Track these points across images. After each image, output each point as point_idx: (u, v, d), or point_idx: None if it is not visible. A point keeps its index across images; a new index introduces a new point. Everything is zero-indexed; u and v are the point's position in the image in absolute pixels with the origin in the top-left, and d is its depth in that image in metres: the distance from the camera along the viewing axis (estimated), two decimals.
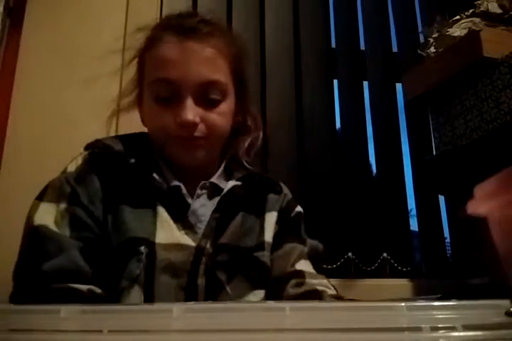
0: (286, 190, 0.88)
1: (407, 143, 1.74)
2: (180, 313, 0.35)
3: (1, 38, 1.42)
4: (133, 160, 0.74)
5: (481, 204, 0.39)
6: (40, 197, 0.71)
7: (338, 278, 1.49)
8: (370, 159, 1.71)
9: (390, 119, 1.74)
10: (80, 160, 0.74)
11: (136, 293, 0.66)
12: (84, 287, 0.64)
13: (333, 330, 0.32)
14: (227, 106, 0.76)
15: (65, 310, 0.35)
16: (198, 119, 0.72)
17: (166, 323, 0.35)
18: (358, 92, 1.76)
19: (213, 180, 0.79)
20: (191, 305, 0.37)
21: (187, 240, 0.72)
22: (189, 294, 0.69)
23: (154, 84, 0.74)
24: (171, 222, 0.72)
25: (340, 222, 1.59)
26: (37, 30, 1.46)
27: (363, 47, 1.81)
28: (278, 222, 0.83)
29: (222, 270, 0.73)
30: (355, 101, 1.75)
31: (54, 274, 0.63)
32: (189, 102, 0.72)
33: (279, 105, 1.64)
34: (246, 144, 0.85)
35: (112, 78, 1.33)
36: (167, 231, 0.71)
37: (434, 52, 1.50)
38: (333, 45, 1.80)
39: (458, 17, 1.44)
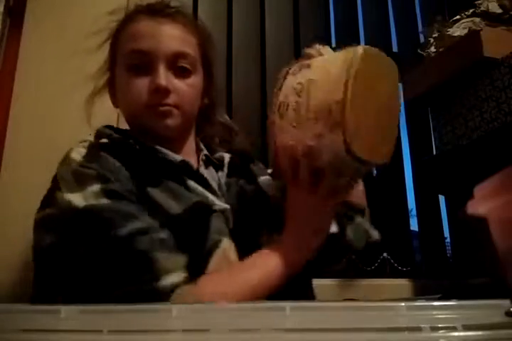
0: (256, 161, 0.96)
1: (407, 143, 1.74)
2: (179, 313, 0.35)
3: (1, 38, 1.42)
4: (137, 146, 0.76)
5: (481, 204, 0.39)
6: (63, 189, 0.68)
7: (338, 278, 1.49)
8: None
9: None
10: (83, 148, 0.74)
11: (228, 243, 0.71)
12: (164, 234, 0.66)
13: (333, 330, 0.32)
14: (196, 80, 0.80)
15: (65, 310, 0.35)
16: (171, 86, 0.76)
17: (165, 323, 0.35)
18: None
19: (205, 153, 0.86)
20: (191, 305, 0.37)
21: (221, 203, 0.76)
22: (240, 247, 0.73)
23: (127, 56, 0.78)
24: (202, 189, 0.76)
25: (340, 221, 1.58)
26: (37, 30, 1.46)
27: None
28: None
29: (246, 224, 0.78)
30: None
31: (134, 236, 0.63)
32: (162, 70, 0.76)
33: None
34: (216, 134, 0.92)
35: None
36: (205, 199, 0.75)
37: (434, 52, 1.50)
38: (334, 44, 1.80)
39: (458, 17, 1.44)
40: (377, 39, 1.82)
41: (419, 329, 0.32)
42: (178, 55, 0.78)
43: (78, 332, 0.34)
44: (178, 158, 0.79)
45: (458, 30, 1.41)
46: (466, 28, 1.40)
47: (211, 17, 1.66)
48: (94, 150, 0.74)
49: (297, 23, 1.76)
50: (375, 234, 0.95)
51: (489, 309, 0.34)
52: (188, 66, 0.79)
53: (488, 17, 1.38)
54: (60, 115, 1.39)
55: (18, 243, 1.15)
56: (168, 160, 0.77)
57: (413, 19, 1.86)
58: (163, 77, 0.75)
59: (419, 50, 1.58)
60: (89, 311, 0.36)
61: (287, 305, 0.35)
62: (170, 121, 0.77)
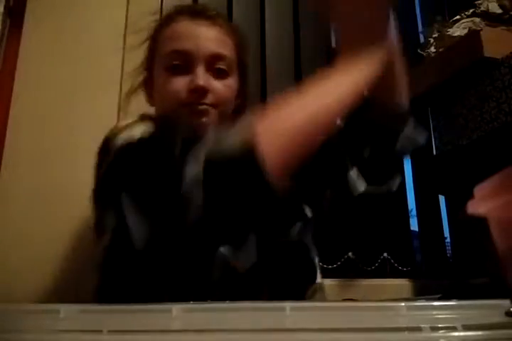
0: None
1: None
2: (179, 313, 0.35)
3: (1, 38, 1.42)
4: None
5: (481, 204, 0.39)
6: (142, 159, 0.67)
7: (338, 278, 1.49)
8: None
9: None
10: (142, 126, 0.74)
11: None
12: None
13: (333, 330, 0.32)
14: (232, 81, 0.83)
15: (65, 310, 0.35)
16: (209, 86, 0.78)
17: (165, 323, 0.35)
18: None
19: None
20: (191, 305, 0.37)
21: None
22: None
23: (168, 56, 0.80)
24: None
25: (341, 221, 1.59)
26: (37, 30, 1.46)
27: None
28: None
29: None
30: None
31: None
32: (201, 70, 0.78)
33: None
34: None
35: (113, 78, 1.34)
36: None
37: (434, 52, 1.50)
38: (334, 45, 1.80)
39: (458, 17, 1.43)
40: None
41: (419, 329, 0.32)
42: (217, 57, 0.80)
43: (78, 332, 0.34)
44: None
45: (458, 30, 1.41)
46: (466, 28, 1.40)
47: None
48: (146, 140, 0.74)
49: (297, 24, 1.76)
50: (422, 139, 0.90)
51: (489, 309, 0.34)
52: (225, 67, 0.81)
53: (488, 17, 1.38)
54: (60, 115, 1.39)
55: (18, 243, 1.15)
56: None
57: (413, 19, 1.86)
58: (202, 77, 0.78)
59: (419, 50, 1.58)
60: (89, 311, 0.36)
61: (287, 305, 0.35)
62: (206, 120, 0.78)
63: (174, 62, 0.79)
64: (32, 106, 1.40)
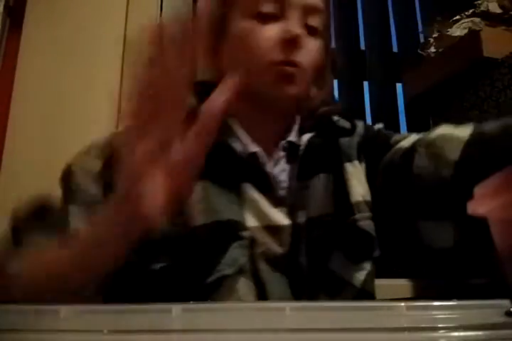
0: (360, 127, 0.72)
1: None
2: (179, 313, 0.35)
3: (1, 38, 1.42)
4: None
5: (481, 204, 0.39)
6: None
7: None
8: None
9: (390, 119, 1.74)
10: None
11: (244, 284, 0.56)
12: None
13: (333, 330, 0.32)
14: (321, 43, 0.67)
15: (65, 310, 0.35)
16: (302, 40, 0.62)
17: (165, 323, 0.35)
18: (358, 92, 1.76)
19: (291, 138, 0.67)
20: (191, 305, 0.37)
21: (279, 218, 0.61)
22: (292, 279, 0.59)
23: (255, 2, 0.64)
24: (259, 198, 0.61)
25: None
26: (37, 30, 1.46)
27: (363, 47, 1.81)
28: (368, 172, 0.68)
29: (320, 247, 0.61)
30: (355, 101, 1.75)
31: None
32: (297, 18, 0.63)
33: None
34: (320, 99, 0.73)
35: (113, 77, 1.34)
36: (257, 211, 0.61)
37: (434, 52, 1.50)
38: (333, 45, 1.80)
39: (458, 17, 1.44)
40: (377, 39, 1.82)
41: (419, 329, 0.32)
42: (314, 10, 0.65)
43: (78, 332, 0.34)
44: (251, 149, 0.64)
45: (458, 30, 1.41)
46: (466, 28, 1.40)
47: None
48: None
49: None
50: None
51: (489, 309, 0.34)
52: (319, 26, 0.66)
53: (488, 17, 1.38)
54: (60, 115, 1.39)
55: None
56: (231, 155, 0.63)
57: (413, 19, 1.86)
58: (298, 25, 0.63)
59: (419, 50, 1.58)
60: (89, 311, 0.36)
61: (287, 305, 0.35)
62: (292, 88, 0.62)
63: (264, 10, 0.63)
64: (32, 106, 1.40)
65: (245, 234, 0.58)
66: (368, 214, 0.65)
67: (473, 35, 1.33)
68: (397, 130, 1.73)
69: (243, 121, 0.66)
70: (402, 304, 0.34)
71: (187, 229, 0.57)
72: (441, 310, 0.35)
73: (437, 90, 1.46)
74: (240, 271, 0.56)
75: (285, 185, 0.64)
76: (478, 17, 1.39)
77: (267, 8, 0.63)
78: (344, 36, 1.80)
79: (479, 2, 1.41)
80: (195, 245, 0.57)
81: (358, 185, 0.66)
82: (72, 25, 1.48)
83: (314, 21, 0.65)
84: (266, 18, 0.63)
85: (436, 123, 1.50)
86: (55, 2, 1.50)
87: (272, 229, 0.60)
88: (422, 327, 0.32)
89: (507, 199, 0.37)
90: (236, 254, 0.57)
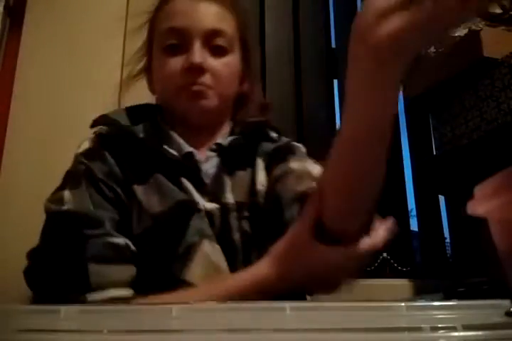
0: (284, 141, 0.83)
1: (407, 144, 1.74)
2: (179, 313, 0.35)
3: (1, 38, 1.42)
4: (142, 135, 0.73)
5: (481, 204, 0.39)
6: (61, 187, 0.69)
7: None
8: None
9: None
10: (88, 142, 0.73)
11: (210, 246, 0.67)
12: (121, 240, 0.65)
13: (333, 330, 0.32)
14: (232, 60, 0.77)
15: (65, 310, 0.35)
16: (206, 65, 0.72)
17: (165, 323, 0.35)
18: None
19: (219, 140, 0.78)
20: (191, 305, 0.37)
21: (211, 205, 0.71)
22: (228, 251, 0.70)
23: (163, 35, 0.75)
24: (192, 189, 0.72)
25: None
26: (37, 30, 1.46)
27: None
28: (267, 166, 0.78)
29: (248, 224, 0.72)
30: None
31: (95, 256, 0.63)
32: (197, 47, 0.72)
33: (279, 105, 1.64)
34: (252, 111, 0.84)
35: (113, 77, 1.34)
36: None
37: (434, 52, 1.50)
38: (333, 45, 1.80)
39: None
40: None
41: (419, 329, 0.32)
42: (215, 33, 0.74)
43: (78, 332, 0.34)
44: (185, 149, 0.74)
45: (458, 30, 1.41)
46: (466, 28, 1.40)
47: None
48: (94, 144, 0.73)
49: (297, 23, 1.76)
50: None
51: (489, 309, 0.34)
52: (224, 44, 0.75)
53: (488, 17, 1.38)
54: (59, 115, 1.39)
55: (18, 243, 1.15)
56: (165, 153, 0.72)
57: None
58: (198, 54, 0.72)
59: None
60: (89, 311, 0.36)
61: (287, 305, 0.35)
62: (205, 102, 0.73)
63: (170, 42, 0.74)
64: (32, 106, 1.40)
65: (200, 206, 0.70)
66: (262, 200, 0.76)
67: (473, 35, 1.33)
68: (397, 130, 1.73)
69: (179, 130, 0.76)
70: (402, 304, 0.34)
71: (149, 217, 0.68)
72: (441, 310, 0.35)
73: (437, 90, 1.46)
74: (204, 236, 0.68)
75: (214, 177, 0.75)
76: (478, 17, 1.39)
77: (171, 41, 0.74)
78: (344, 36, 1.80)
79: None
80: (161, 226, 0.68)
81: (261, 176, 0.77)
82: (72, 25, 1.48)
83: (220, 41, 0.75)
84: (172, 50, 0.74)
85: (437, 123, 1.50)
86: (54, 2, 1.50)
87: (207, 214, 0.71)
88: (422, 327, 0.32)
89: (507, 199, 0.37)
90: (197, 224, 0.68)
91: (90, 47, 1.44)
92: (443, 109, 1.48)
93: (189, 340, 0.32)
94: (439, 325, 0.32)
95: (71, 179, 0.69)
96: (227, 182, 0.75)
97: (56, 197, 0.67)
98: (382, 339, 0.31)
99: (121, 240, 0.65)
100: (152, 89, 0.82)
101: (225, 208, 0.72)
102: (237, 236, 0.71)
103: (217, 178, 0.75)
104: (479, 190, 0.39)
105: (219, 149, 0.77)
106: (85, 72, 1.41)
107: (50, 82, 1.42)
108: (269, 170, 0.78)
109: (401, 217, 1.64)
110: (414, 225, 1.68)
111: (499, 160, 1.20)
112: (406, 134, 1.74)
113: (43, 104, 1.41)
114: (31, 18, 1.47)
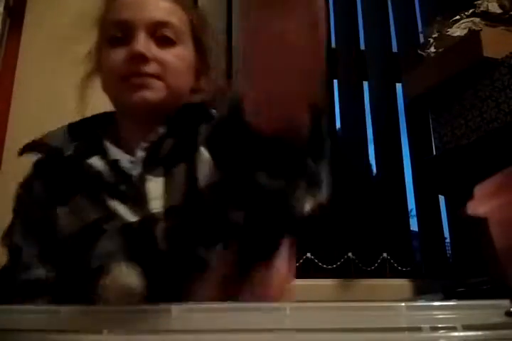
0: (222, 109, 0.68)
1: (407, 144, 1.74)
2: (179, 313, 0.35)
3: (1, 38, 1.42)
4: (69, 152, 0.71)
5: (481, 204, 0.39)
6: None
7: (338, 278, 1.49)
8: (370, 159, 1.71)
9: (390, 119, 1.74)
10: (29, 169, 0.75)
11: (118, 268, 0.63)
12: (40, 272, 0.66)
13: (333, 330, 0.32)
14: (183, 52, 0.72)
15: (65, 310, 0.35)
16: (150, 54, 0.68)
17: (165, 323, 0.35)
18: (358, 92, 1.76)
19: (152, 138, 0.69)
20: (191, 305, 0.37)
21: (132, 218, 0.65)
22: (152, 267, 0.64)
23: (109, 27, 0.72)
24: (119, 204, 0.66)
25: (340, 222, 1.59)
26: (37, 30, 1.46)
27: (363, 47, 1.81)
28: (213, 153, 0.65)
29: (180, 233, 0.64)
30: (355, 101, 1.75)
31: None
32: (141, 36, 0.68)
33: None
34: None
35: None
36: (115, 213, 0.66)
37: (434, 52, 1.50)
38: (333, 45, 1.80)
39: (458, 17, 1.44)
40: (377, 39, 1.82)
41: (419, 329, 0.32)
42: (161, 24, 0.70)
43: (78, 332, 0.34)
44: (113, 157, 0.69)
45: (458, 31, 1.41)
46: (466, 28, 1.40)
47: (210, 16, 1.66)
48: (29, 173, 0.75)
49: None
50: None
51: (489, 309, 0.34)
52: (171, 36, 0.71)
53: (488, 17, 1.38)
54: (59, 115, 1.39)
55: None
56: (87, 168, 0.69)
57: (413, 19, 1.86)
58: (141, 43, 0.67)
59: (419, 50, 1.58)
60: (89, 311, 0.36)
61: (287, 305, 0.35)
62: (149, 94, 0.68)
63: (114, 34, 0.70)
64: (32, 106, 1.40)
65: (109, 226, 0.64)
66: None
67: (473, 35, 1.33)
68: (397, 130, 1.73)
69: (129, 132, 0.73)
70: (402, 304, 0.34)
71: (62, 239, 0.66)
72: (441, 310, 0.35)
73: (437, 90, 1.46)
74: (112, 258, 0.63)
75: (138, 183, 0.67)
76: (478, 17, 1.39)
77: (116, 33, 0.70)
78: (344, 36, 1.80)
79: (479, 2, 1.41)
80: (68, 250, 0.66)
81: (203, 171, 0.66)
82: (72, 25, 1.48)
83: (166, 32, 0.70)
84: (117, 42, 0.70)
85: (437, 123, 1.50)
86: (54, 2, 1.50)
87: (130, 227, 0.65)
88: (422, 327, 0.32)
89: (507, 199, 0.37)
90: (105, 246, 0.64)
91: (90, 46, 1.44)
92: (443, 109, 1.48)
93: (189, 340, 0.32)
94: (439, 325, 0.32)
95: (13, 207, 0.73)
96: (155, 187, 0.66)
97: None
98: (382, 339, 0.31)
99: (39, 272, 0.66)
100: (103, 87, 0.76)
101: (147, 220, 0.64)
102: (165, 248, 0.63)
103: (141, 184, 0.66)
104: (479, 190, 0.39)
105: (150, 147, 0.69)
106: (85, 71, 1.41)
107: (50, 82, 1.42)
108: (217, 156, 0.65)
109: (401, 217, 1.64)
110: (414, 225, 1.68)
111: (499, 160, 1.20)
112: (406, 134, 1.74)
113: (43, 104, 1.41)
114: (31, 18, 1.47)
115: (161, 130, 0.69)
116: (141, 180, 0.67)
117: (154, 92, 0.68)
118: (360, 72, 1.77)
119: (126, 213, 0.65)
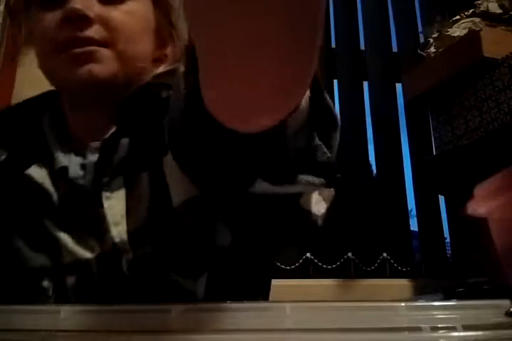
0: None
1: (407, 143, 1.74)
2: (179, 313, 0.35)
3: (1, 38, 1.42)
4: (3, 157, 0.55)
5: (481, 204, 0.39)
6: None
7: (338, 278, 1.49)
8: (370, 159, 1.71)
9: (390, 119, 1.74)
10: None
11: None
12: None
13: (333, 330, 0.32)
14: (138, 8, 0.54)
15: (65, 310, 0.35)
16: (91, 12, 0.50)
17: (165, 323, 0.35)
18: (358, 92, 1.76)
19: (107, 136, 0.53)
20: (190, 305, 0.37)
21: (87, 256, 0.49)
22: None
23: None
24: (67, 237, 0.50)
25: (340, 222, 1.59)
26: None
27: (363, 47, 1.81)
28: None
29: (150, 263, 0.49)
30: (355, 101, 1.75)
31: None
32: None
33: None
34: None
35: None
36: (60, 249, 0.50)
37: (434, 52, 1.50)
38: (333, 45, 1.80)
39: (458, 17, 1.44)
40: (377, 39, 1.82)
41: (419, 329, 0.32)
42: None
43: (78, 332, 0.34)
44: (60, 163, 0.53)
45: (458, 31, 1.41)
46: (466, 28, 1.40)
47: None
48: None
49: None
50: None
51: (489, 309, 0.34)
52: None
53: (488, 17, 1.38)
54: None
55: None
56: (26, 182, 0.52)
57: (413, 19, 1.86)
58: (84, 2, 0.50)
59: (419, 50, 1.58)
60: (89, 311, 0.36)
61: (287, 305, 0.35)
62: (96, 68, 0.50)
63: None
64: None
65: (45, 283, 0.49)
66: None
67: (473, 35, 1.33)
68: (397, 130, 1.73)
69: (77, 122, 0.56)
70: (402, 304, 0.34)
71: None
72: (441, 310, 0.35)
73: (437, 90, 1.46)
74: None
75: (94, 200, 0.50)
76: (478, 17, 1.39)
77: None
78: (344, 36, 1.80)
79: (479, 2, 1.41)
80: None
81: (177, 181, 0.50)
82: None
83: None
84: (49, 3, 0.52)
85: (437, 123, 1.50)
86: None
87: (80, 264, 0.49)
88: (422, 327, 0.32)
89: (507, 199, 0.37)
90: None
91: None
92: (443, 109, 1.48)
93: (189, 340, 0.32)
94: (439, 325, 0.32)
95: None
96: (116, 205, 0.49)
97: None
98: (382, 339, 0.31)
99: None
100: (39, 64, 0.58)
101: (106, 255, 0.48)
102: (136, 285, 0.49)
103: (97, 204, 0.50)
104: (479, 190, 0.39)
105: (102, 147, 0.52)
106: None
107: None
108: (184, 165, 0.48)
109: (401, 217, 1.64)
110: (414, 225, 1.68)
111: (499, 160, 1.20)
112: (406, 134, 1.74)
113: None
114: None
115: (114, 124, 0.53)
116: (97, 199, 0.50)
117: (104, 65, 0.51)
118: (360, 72, 1.77)
119: (79, 249, 0.49)
